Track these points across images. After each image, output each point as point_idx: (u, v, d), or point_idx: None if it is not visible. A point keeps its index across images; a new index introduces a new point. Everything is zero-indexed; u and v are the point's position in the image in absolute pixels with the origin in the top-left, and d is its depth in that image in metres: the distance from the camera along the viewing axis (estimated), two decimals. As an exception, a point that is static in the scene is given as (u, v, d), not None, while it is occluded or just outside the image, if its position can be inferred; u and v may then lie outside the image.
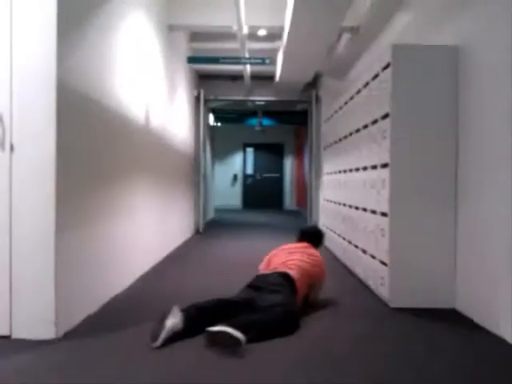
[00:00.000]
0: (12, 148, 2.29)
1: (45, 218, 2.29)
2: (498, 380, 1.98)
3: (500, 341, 2.42)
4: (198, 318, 2.39)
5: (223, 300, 2.59)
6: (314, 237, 3.37)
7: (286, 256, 3.03)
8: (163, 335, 2.22)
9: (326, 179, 6.02)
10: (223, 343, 2.17)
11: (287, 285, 2.74)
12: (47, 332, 2.30)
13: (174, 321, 2.28)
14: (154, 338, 2.22)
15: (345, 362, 2.12)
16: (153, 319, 2.64)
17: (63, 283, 2.38)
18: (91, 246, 2.80)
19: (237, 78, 7.86)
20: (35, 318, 2.31)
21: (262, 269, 3.09)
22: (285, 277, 2.78)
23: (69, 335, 2.38)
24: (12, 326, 2.32)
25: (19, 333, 2.31)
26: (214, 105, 8.85)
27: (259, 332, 2.31)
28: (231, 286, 2.98)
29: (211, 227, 8.31)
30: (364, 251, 3.71)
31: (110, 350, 2.23)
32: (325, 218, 6.17)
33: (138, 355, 2.15)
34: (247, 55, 6.15)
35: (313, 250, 3.18)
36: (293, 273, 2.82)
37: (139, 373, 1.96)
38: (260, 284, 2.74)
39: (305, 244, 3.24)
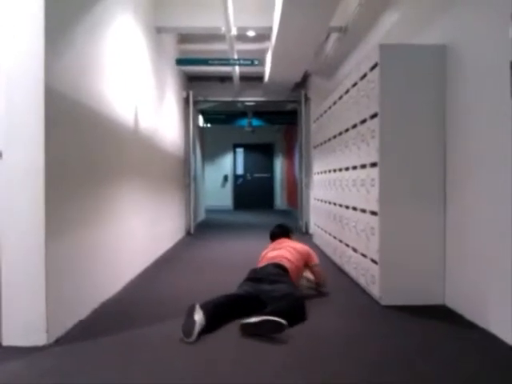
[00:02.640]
0: (0, 154, 2.27)
1: (34, 224, 2.27)
2: (488, 376, 2.01)
3: (490, 336, 2.45)
4: (216, 313, 2.54)
5: (232, 295, 2.79)
6: (282, 231, 3.76)
7: (275, 252, 3.34)
8: (196, 330, 2.33)
9: (316, 178, 6.04)
10: (266, 331, 2.35)
11: (284, 274, 3.01)
12: (39, 338, 2.28)
13: (199, 317, 2.40)
14: (188, 333, 2.32)
15: (337, 359, 2.13)
16: (144, 322, 2.66)
17: (54, 289, 2.36)
18: (82, 250, 2.78)
19: (226, 79, 7.86)
20: (26, 325, 2.29)
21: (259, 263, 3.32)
22: (279, 267, 3.06)
23: (60, 341, 2.37)
24: (2, 334, 2.29)
25: (10, 340, 2.29)
26: (203, 106, 8.84)
27: (287, 319, 2.42)
28: (223, 287, 2.98)
29: (202, 228, 8.30)
30: (355, 250, 3.73)
31: (101, 354, 2.22)
32: (315, 217, 6.20)
33: (131, 359, 2.15)
34: (236, 56, 6.15)
35: (292, 242, 3.54)
36: (284, 262, 3.12)
37: (132, 377, 1.96)
38: (259, 276, 2.97)
39: (282, 240, 3.61)
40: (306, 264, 3.33)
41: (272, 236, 3.76)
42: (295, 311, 2.66)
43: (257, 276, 2.98)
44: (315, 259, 3.39)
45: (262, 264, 3.21)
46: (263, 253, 3.48)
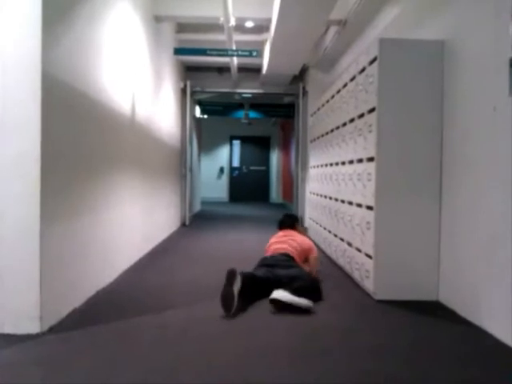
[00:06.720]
0: (-5, 140, 2.25)
1: (30, 211, 2.26)
2: (480, 369, 2.02)
3: (481, 332, 2.47)
4: (250, 285, 2.81)
5: (255, 275, 3.03)
6: (289, 221, 3.99)
7: (278, 244, 3.59)
8: (235, 304, 2.62)
9: (312, 172, 6.04)
10: (296, 310, 2.66)
11: (291, 260, 3.33)
12: (32, 326, 2.27)
13: (238, 287, 2.65)
14: (229, 308, 2.60)
15: (331, 352, 2.14)
16: (139, 312, 2.65)
17: (48, 277, 2.35)
18: (77, 239, 2.77)
19: (223, 70, 7.81)
20: (20, 313, 2.28)
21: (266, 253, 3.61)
22: (287, 255, 3.37)
23: (54, 329, 2.36)
24: (-4, 321, 2.29)
25: (3, 328, 2.28)
26: (200, 97, 8.79)
27: (309, 297, 2.76)
28: (218, 278, 2.98)
29: (197, 220, 8.29)
30: (349, 244, 3.74)
31: (95, 343, 2.22)
32: (311, 210, 6.21)
33: (124, 349, 2.15)
34: (234, 47, 6.11)
35: (295, 234, 3.75)
36: (289, 251, 3.42)
37: (125, 367, 1.96)
38: (272, 262, 3.26)
39: (287, 231, 3.83)
40: (306, 258, 3.57)
41: (280, 224, 4.00)
42: (315, 291, 2.96)
43: (269, 263, 3.25)
44: (315, 253, 3.63)
45: (268, 254, 3.49)
46: (271, 240, 3.74)
